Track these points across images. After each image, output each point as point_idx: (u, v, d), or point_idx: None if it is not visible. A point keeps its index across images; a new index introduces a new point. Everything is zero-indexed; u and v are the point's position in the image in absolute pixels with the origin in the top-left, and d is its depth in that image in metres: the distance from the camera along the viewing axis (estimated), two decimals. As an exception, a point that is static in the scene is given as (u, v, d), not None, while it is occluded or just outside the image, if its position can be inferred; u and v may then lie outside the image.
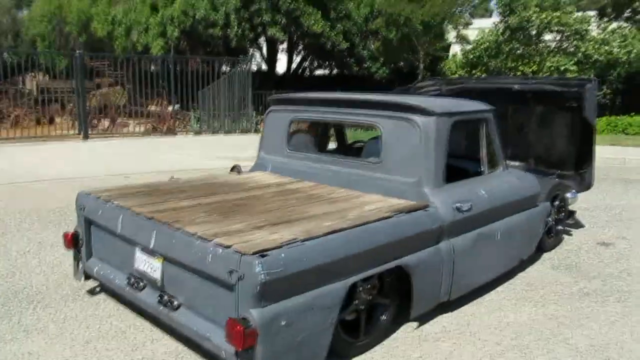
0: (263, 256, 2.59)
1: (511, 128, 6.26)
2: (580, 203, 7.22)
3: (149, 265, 3.26)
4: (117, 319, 3.69)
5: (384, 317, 3.42)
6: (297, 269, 2.67)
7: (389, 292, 3.43)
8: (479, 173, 4.29)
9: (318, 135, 4.90)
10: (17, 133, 12.98)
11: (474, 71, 20.18)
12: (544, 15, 15.79)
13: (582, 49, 16.74)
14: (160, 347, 3.32)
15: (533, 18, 15.91)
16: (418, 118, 3.71)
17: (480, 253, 3.97)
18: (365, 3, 19.80)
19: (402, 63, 20.36)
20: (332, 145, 5.62)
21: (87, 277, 3.99)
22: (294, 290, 2.71)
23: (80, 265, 4.00)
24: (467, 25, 18.44)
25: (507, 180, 4.37)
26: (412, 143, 3.73)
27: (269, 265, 2.56)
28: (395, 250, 3.27)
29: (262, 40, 25.53)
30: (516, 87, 5.94)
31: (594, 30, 18.52)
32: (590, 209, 7.14)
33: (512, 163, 5.64)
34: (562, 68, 16.71)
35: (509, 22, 16.28)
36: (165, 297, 3.16)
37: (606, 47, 16.52)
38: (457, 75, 20.51)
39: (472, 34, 20.06)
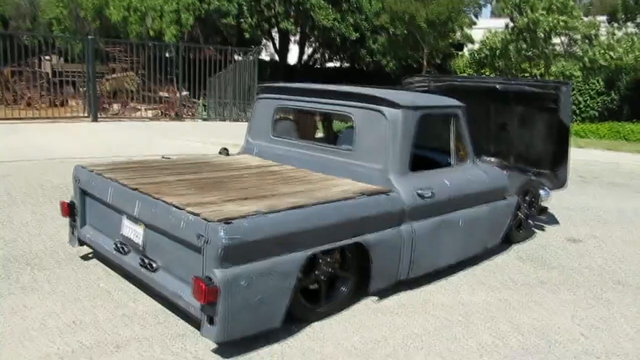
0: (227, 223, 2.94)
1: (494, 126, 6.57)
2: (562, 203, 7.53)
3: (133, 232, 3.63)
4: (105, 281, 4.08)
5: (344, 289, 3.76)
6: (257, 237, 3.02)
7: (350, 267, 3.77)
8: (447, 165, 4.61)
9: (301, 123, 5.24)
10: (29, 114, 13.43)
11: (482, 70, 20.41)
12: (550, 19, 15.96)
13: (590, 54, 16.88)
14: (140, 306, 3.70)
15: (540, 20, 16.08)
16: (386, 110, 4.04)
17: (441, 237, 4.29)
18: (377, -1, 20.11)
19: (408, 60, 20.62)
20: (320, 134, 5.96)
21: (81, 243, 4.37)
22: (255, 256, 3.06)
23: (75, 233, 4.38)
24: (470, 25, 18.64)
25: (473, 172, 4.67)
26: (380, 133, 4.06)
27: (231, 232, 2.92)
28: (355, 228, 3.60)
29: (274, 31, 25.88)
30: (498, 87, 6.23)
31: (604, 35, 18.63)
32: (570, 209, 7.41)
33: (489, 158, 5.98)
34: (567, 73, 16.89)
35: (517, 23, 16.48)
36: (146, 261, 3.53)
37: (611, 53, 16.65)
38: (466, 74, 20.76)
39: (481, 33, 20.27)
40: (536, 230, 6.16)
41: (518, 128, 6.35)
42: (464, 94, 6.60)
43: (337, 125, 5.95)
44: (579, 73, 16.43)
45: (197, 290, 2.92)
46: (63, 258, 4.48)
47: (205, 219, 2.99)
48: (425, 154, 4.90)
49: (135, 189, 3.58)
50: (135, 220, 3.60)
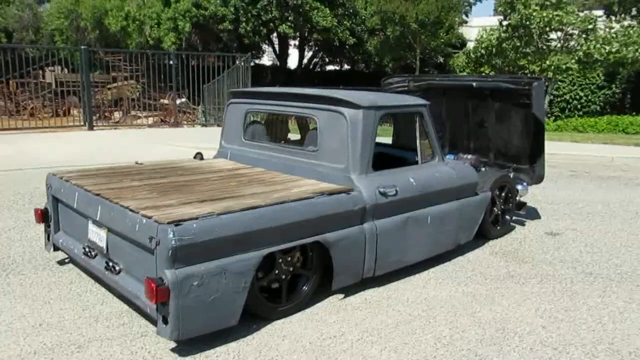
0: (177, 225, 3.03)
1: (472, 123, 6.63)
2: (547, 197, 7.58)
3: (98, 236, 3.73)
4: (77, 285, 4.18)
5: (305, 288, 3.83)
6: (208, 238, 3.10)
7: (312, 265, 3.84)
8: (413, 163, 4.67)
9: (271, 126, 5.33)
10: (27, 124, 13.65)
11: (480, 69, 20.41)
12: (544, 14, 15.93)
13: (584, 48, 16.83)
14: (107, 307, 3.79)
15: (534, 15, 16.06)
16: (346, 110, 4.11)
17: (408, 235, 4.34)
18: (371, 1, 20.19)
19: (408, 60, 20.66)
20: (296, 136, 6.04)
21: (56, 249, 4.48)
22: (207, 256, 3.13)
23: (50, 238, 4.50)
24: (461, 24, 18.66)
25: (440, 170, 4.72)
26: (341, 133, 4.14)
27: (181, 233, 3.00)
28: (314, 227, 3.67)
29: (274, 36, 26.06)
30: (474, 84, 6.29)
31: (601, 30, 18.57)
32: (555, 203, 7.44)
33: (465, 155, 6.04)
34: (564, 66, 16.84)
35: (510, 20, 16.48)
36: (110, 264, 3.63)
37: (607, 47, 16.58)
38: (466, 73, 20.77)
39: (476, 32, 20.30)
40: (515, 225, 6.20)
41: (496, 124, 6.40)
42: (443, 92, 6.71)
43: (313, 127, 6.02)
44: (575, 66, 16.36)
45: (148, 290, 3.01)
46: (40, 263, 4.59)
47: (156, 221, 3.07)
48: (394, 152, 4.97)
49: (98, 194, 3.68)
50: (99, 224, 3.70)
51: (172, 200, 3.53)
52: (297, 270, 3.76)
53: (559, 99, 22.35)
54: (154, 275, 3.09)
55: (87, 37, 22.09)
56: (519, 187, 6.01)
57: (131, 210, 3.30)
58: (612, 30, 17.75)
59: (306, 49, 27.74)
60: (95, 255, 3.83)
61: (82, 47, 13.48)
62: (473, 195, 5.08)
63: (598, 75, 21.68)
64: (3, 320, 3.56)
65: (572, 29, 17.80)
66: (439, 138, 5.03)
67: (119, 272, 3.57)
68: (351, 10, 20.75)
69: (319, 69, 29.76)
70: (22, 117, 15.10)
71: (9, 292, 4.00)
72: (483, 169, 6.10)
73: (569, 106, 22.46)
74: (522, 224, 6.34)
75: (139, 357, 3.17)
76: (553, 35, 18.43)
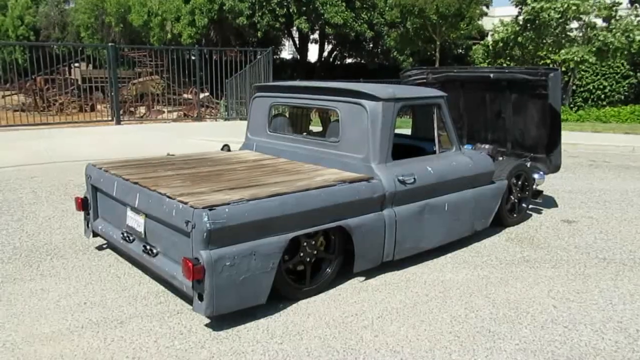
0: (211, 210, 3.29)
1: (490, 114, 6.79)
2: (565, 186, 7.70)
3: (136, 222, 4.02)
4: (115, 268, 4.49)
5: (328, 270, 4.08)
6: (238, 222, 3.36)
7: (334, 249, 4.09)
8: (431, 152, 4.87)
9: (294, 118, 5.57)
10: (57, 119, 14.13)
11: (499, 60, 20.36)
12: (559, 4, 15.81)
13: (601, 37, 16.63)
14: (144, 288, 4.09)
15: (546, 7, 15.95)
16: (366, 103, 4.33)
17: (425, 221, 4.56)
18: (390, -7, 20.27)
19: (428, 53, 20.69)
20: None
21: (95, 235, 4.80)
22: (238, 239, 3.40)
23: (89, 225, 4.81)
24: (481, 16, 18.61)
25: (457, 159, 4.91)
26: (361, 125, 4.36)
27: (214, 217, 3.26)
28: (336, 213, 3.91)
29: (294, 30, 26.26)
30: (492, 76, 6.44)
31: (625, 18, 18.36)
32: (572, 192, 7.56)
33: (483, 145, 6.21)
34: (578, 59, 16.69)
35: (524, 14, 16.45)
36: (148, 247, 3.91)
37: (631, 35, 16.40)
38: (485, 64, 20.74)
39: (497, 22, 20.23)
40: (532, 213, 6.36)
41: (513, 115, 6.55)
42: (461, 84, 6.88)
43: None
44: (593, 59, 16.22)
45: (185, 269, 3.28)
46: (80, 248, 4.92)
47: (192, 207, 3.34)
48: (413, 142, 5.17)
49: (136, 183, 3.96)
50: (137, 211, 3.99)
51: (204, 188, 3.80)
52: (320, 254, 4.01)
53: (581, 89, 22.15)
54: (190, 256, 3.36)
55: (112, 33, 22.58)
56: (536, 176, 6.16)
57: (168, 197, 3.57)
58: (637, 19, 17.54)
59: (325, 42, 27.87)
60: (133, 239, 4.13)
61: (110, 44, 13.85)
62: (489, 183, 5.26)
63: (622, 65, 21.42)
64: (51, 298, 3.88)
65: (593, 17, 17.65)
66: (457, 129, 5.21)
67: (156, 254, 3.86)
68: (369, 3, 20.82)
69: (339, 62, 29.87)
70: (51, 112, 15.66)
71: (54, 274, 4.33)
72: (500, 158, 6.27)
73: (592, 96, 22.23)
74: (539, 212, 6.49)
75: (176, 332, 3.45)
76: (573, 25, 18.29)
